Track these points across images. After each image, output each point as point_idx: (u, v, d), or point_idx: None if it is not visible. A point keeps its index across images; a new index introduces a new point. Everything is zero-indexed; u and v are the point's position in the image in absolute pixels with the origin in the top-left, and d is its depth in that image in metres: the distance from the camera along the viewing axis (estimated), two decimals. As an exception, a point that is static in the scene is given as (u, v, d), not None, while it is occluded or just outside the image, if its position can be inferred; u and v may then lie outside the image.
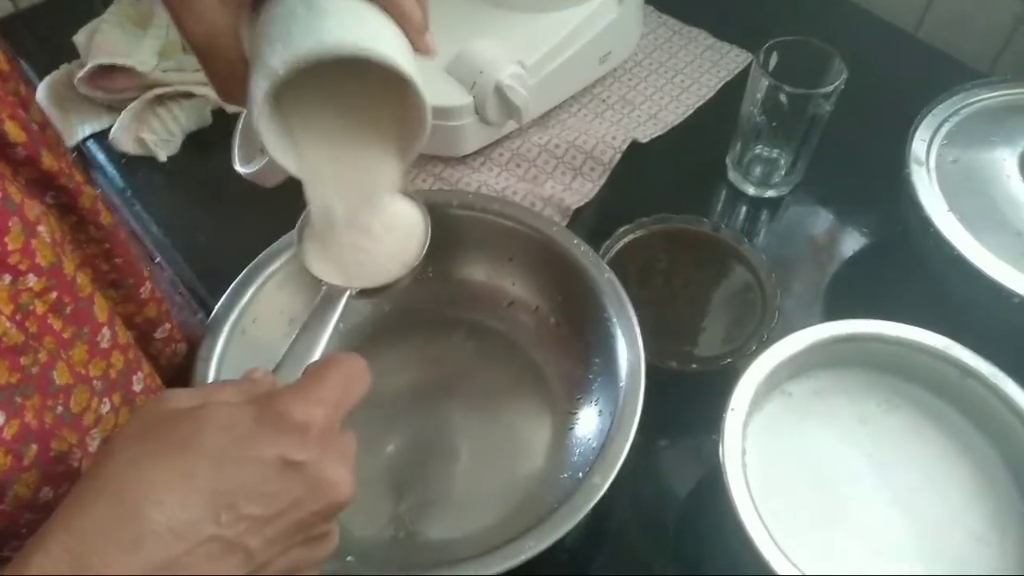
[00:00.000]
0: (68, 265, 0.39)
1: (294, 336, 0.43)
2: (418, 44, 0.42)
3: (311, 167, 0.42)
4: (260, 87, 0.36)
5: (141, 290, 0.48)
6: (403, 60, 0.38)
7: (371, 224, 0.47)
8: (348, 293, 0.46)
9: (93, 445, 0.40)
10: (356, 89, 0.41)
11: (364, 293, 0.47)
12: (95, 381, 0.41)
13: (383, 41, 0.38)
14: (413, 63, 0.39)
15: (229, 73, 0.40)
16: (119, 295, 0.47)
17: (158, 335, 0.51)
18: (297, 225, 0.48)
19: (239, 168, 0.52)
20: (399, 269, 0.48)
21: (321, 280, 0.46)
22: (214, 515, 0.30)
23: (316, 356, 0.42)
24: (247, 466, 0.31)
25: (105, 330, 0.42)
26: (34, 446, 0.36)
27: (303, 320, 0.45)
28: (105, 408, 0.41)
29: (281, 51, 0.36)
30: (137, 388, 0.44)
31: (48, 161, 0.41)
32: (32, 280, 0.37)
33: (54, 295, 0.38)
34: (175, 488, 0.30)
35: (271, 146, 0.39)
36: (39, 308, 0.37)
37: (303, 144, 0.41)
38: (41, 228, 0.38)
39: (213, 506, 0.30)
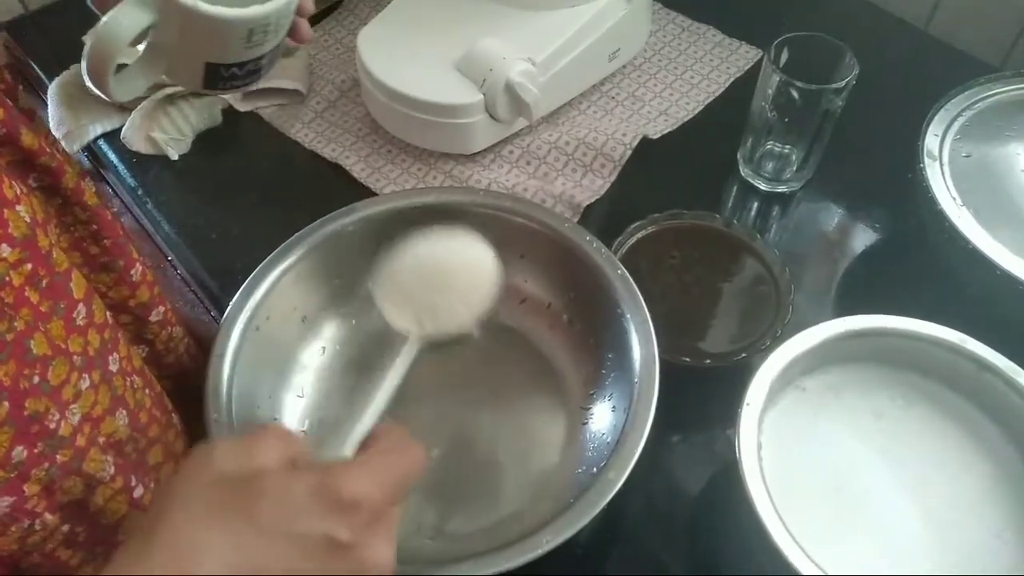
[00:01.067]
0: (43, 240, 0.39)
1: (373, 390, 0.43)
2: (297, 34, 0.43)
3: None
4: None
5: (132, 272, 0.48)
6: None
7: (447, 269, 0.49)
8: (420, 345, 0.46)
9: (74, 420, 0.40)
10: None
11: (435, 347, 0.47)
12: (75, 356, 0.41)
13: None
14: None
15: None
16: (111, 278, 0.47)
17: (153, 318, 0.51)
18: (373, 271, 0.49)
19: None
20: (472, 319, 0.48)
21: (396, 327, 0.47)
22: None
23: (383, 407, 0.42)
24: (295, 541, 0.32)
25: (81, 307, 0.42)
26: (6, 403, 0.36)
27: (374, 371, 0.44)
28: (85, 384, 0.41)
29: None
30: (113, 368, 0.44)
31: (28, 139, 0.41)
32: (6, 250, 0.37)
33: (29, 266, 0.39)
34: (226, 555, 0.31)
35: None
36: (15, 280, 0.38)
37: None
38: (20, 207, 0.38)
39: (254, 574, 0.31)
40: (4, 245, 0.37)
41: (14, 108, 0.41)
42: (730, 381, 0.51)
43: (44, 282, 0.39)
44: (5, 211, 0.37)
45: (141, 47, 0.45)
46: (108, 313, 0.45)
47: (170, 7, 0.41)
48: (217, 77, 0.45)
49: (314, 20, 0.88)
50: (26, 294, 0.38)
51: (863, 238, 0.70)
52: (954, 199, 0.59)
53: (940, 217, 0.58)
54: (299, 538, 0.32)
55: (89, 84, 0.43)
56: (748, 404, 0.49)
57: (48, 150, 0.42)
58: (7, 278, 0.37)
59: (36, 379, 0.38)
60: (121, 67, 0.43)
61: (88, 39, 0.78)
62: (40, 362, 0.38)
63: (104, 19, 0.40)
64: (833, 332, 0.52)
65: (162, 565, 0.31)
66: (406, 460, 0.37)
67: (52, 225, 0.42)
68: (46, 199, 0.43)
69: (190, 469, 0.35)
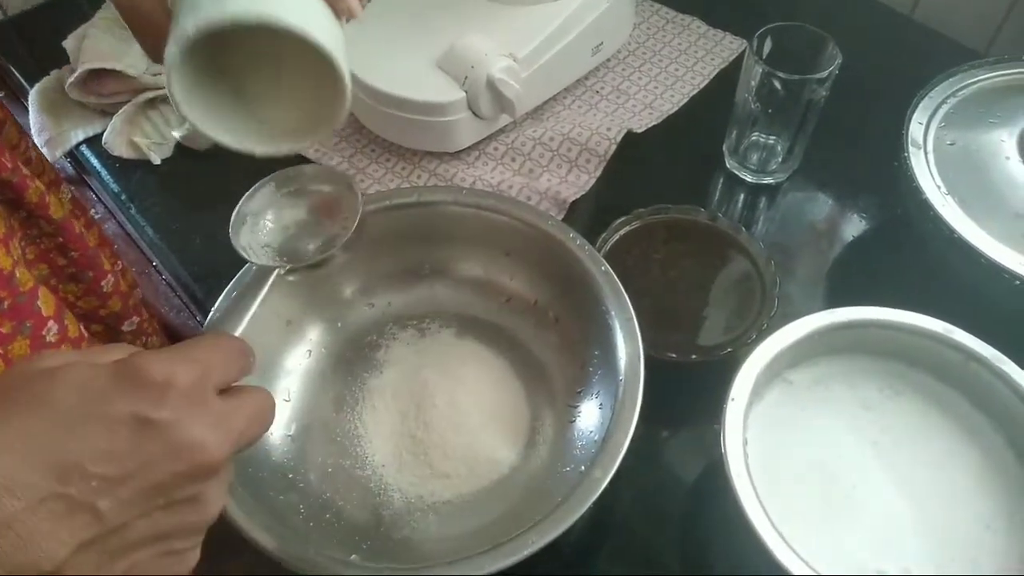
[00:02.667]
0: (3, 260, 0.39)
1: (215, 315, 0.43)
2: (336, 4, 0.41)
3: (226, 129, 0.41)
4: (171, 49, 0.37)
5: (103, 283, 0.48)
6: (315, 29, 0.37)
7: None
8: (276, 272, 0.46)
9: None
10: (289, 56, 0.41)
11: (294, 271, 0.47)
12: None
13: (293, 11, 0.37)
14: (331, 32, 0.39)
15: (155, 32, 0.39)
16: (80, 289, 0.47)
17: (126, 328, 0.50)
18: (234, 213, 0.49)
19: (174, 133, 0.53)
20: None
21: (251, 261, 0.47)
22: (57, 474, 0.29)
23: (239, 331, 0.42)
24: (95, 424, 0.30)
25: (52, 323, 0.41)
26: None
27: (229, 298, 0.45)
28: None
29: (192, 16, 0.36)
30: None
31: None
32: None
33: None
34: (14, 447, 0.29)
35: (181, 104, 0.39)
36: None
37: (222, 106, 0.41)
38: None
39: (55, 464, 0.29)
40: None
41: None
42: (718, 375, 0.51)
43: (6, 303, 0.39)
44: None
45: None
46: (81, 326, 0.44)
47: None
48: None
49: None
50: None
51: (850, 228, 0.70)
52: (939, 188, 0.59)
53: (925, 206, 0.58)
54: (102, 419, 0.30)
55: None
56: (733, 399, 0.49)
57: (9, 165, 0.41)
58: None
59: None
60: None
61: (69, 43, 0.78)
62: None
63: None
64: (819, 324, 0.52)
65: None
66: (219, 342, 0.35)
67: (17, 239, 0.42)
68: (9, 212, 0.43)
69: (8, 369, 0.32)
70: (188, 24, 0.36)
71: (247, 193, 0.49)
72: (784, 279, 0.62)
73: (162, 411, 0.31)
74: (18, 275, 0.40)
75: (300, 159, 0.73)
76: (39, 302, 0.41)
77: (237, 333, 0.42)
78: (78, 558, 0.29)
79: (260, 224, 0.53)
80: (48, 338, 0.41)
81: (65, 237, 0.45)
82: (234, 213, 0.48)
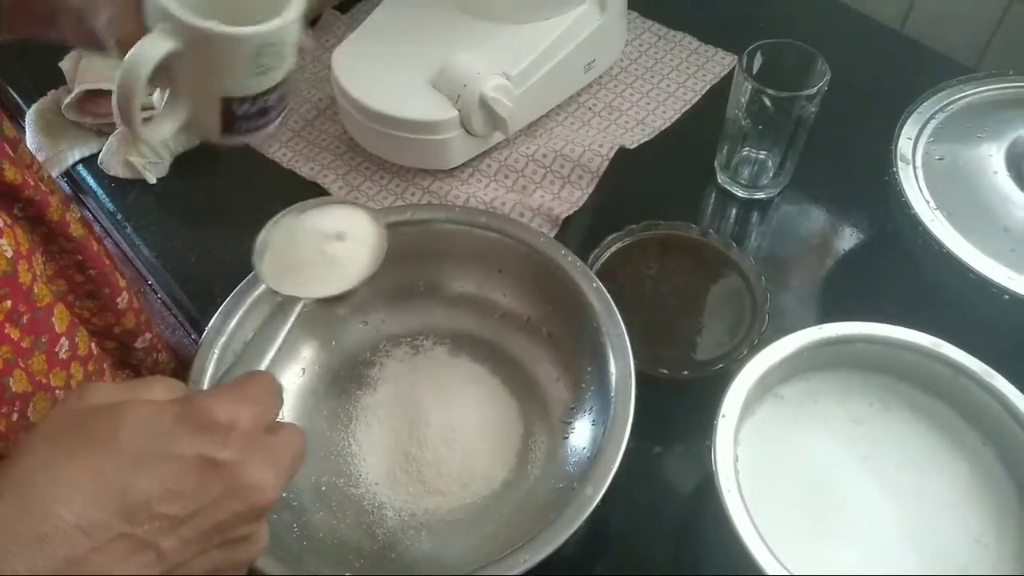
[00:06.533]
0: (24, 275, 0.39)
1: (245, 345, 0.44)
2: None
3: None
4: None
5: (118, 300, 0.48)
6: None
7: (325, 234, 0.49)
8: (302, 304, 0.46)
9: None
10: None
11: (320, 302, 0.47)
12: (57, 391, 0.41)
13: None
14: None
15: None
16: (96, 305, 0.47)
17: (139, 344, 0.51)
18: (256, 244, 0.49)
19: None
20: (353, 279, 0.49)
21: (276, 292, 0.47)
22: (125, 514, 0.29)
23: (265, 365, 0.42)
24: (163, 464, 0.31)
25: (63, 340, 0.42)
26: None
27: (256, 330, 0.45)
28: None
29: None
30: None
31: (11, 174, 0.41)
32: None
33: (8, 303, 0.38)
34: (85, 486, 0.29)
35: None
36: None
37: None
38: (3, 241, 0.38)
39: (124, 505, 0.29)
40: None
41: None
42: (711, 390, 0.51)
43: (25, 318, 0.39)
44: None
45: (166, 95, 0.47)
46: (92, 343, 0.45)
47: (186, 31, 0.43)
48: (232, 118, 0.47)
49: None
50: (6, 331, 0.38)
51: (841, 243, 0.70)
52: (927, 202, 0.59)
53: (914, 221, 0.58)
54: (168, 459, 0.31)
55: (118, 121, 0.48)
56: (724, 415, 0.49)
57: (32, 183, 0.42)
58: None
59: (15, 416, 0.38)
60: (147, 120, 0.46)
61: (65, 64, 0.79)
62: (20, 399, 0.38)
63: (130, 52, 0.43)
64: (809, 340, 0.53)
65: (14, 504, 0.29)
66: (265, 381, 0.36)
67: (38, 254, 0.42)
68: (31, 228, 0.43)
69: (60, 404, 0.33)
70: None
71: (271, 220, 0.50)
72: (775, 294, 0.63)
73: (226, 452, 0.32)
74: (36, 291, 0.40)
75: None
76: (54, 318, 0.41)
77: (263, 366, 0.43)
78: None
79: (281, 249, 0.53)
80: (60, 355, 0.41)
81: (84, 255, 0.45)
82: (257, 241, 0.49)
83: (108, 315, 0.48)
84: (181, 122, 0.48)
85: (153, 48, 0.43)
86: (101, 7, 0.42)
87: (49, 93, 0.79)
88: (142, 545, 0.30)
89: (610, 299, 0.55)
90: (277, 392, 0.36)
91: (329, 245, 0.49)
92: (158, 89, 0.48)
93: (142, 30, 0.42)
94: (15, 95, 0.82)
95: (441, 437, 0.57)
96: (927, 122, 0.64)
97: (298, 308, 0.46)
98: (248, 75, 0.46)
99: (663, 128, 0.78)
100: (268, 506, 0.33)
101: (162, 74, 0.44)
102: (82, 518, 0.29)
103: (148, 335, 0.52)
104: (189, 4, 0.43)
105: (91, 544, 0.29)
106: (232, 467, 0.32)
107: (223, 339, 0.55)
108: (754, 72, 0.66)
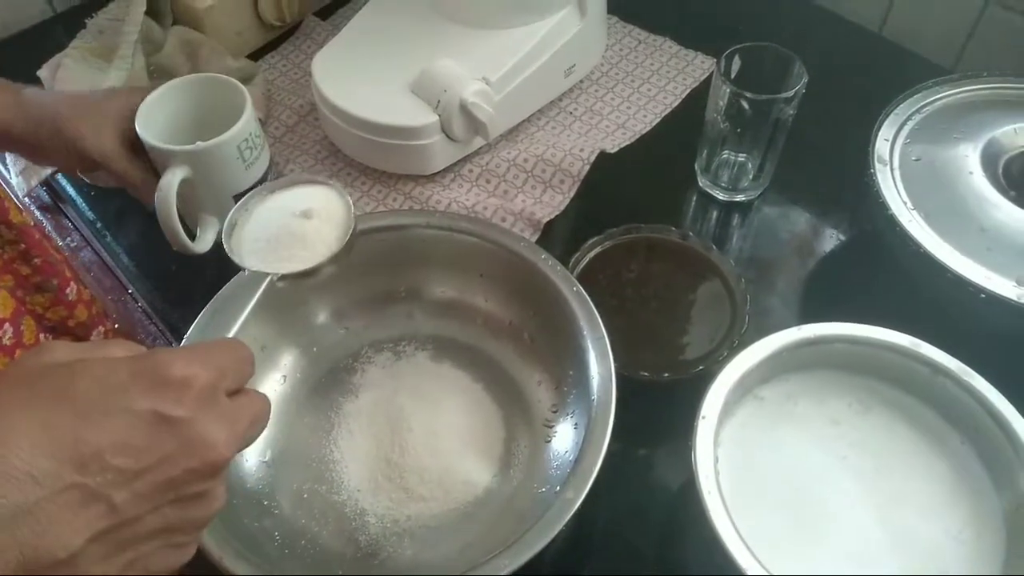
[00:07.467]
0: None
1: (204, 316, 0.44)
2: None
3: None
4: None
5: (67, 291, 0.48)
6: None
7: (293, 212, 0.50)
8: (269, 278, 0.47)
9: None
10: None
11: (285, 278, 0.48)
12: None
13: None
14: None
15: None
16: (47, 299, 0.47)
17: (94, 338, 0.50)
18: (225, 222, 0.50)
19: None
20: (319, 255, 0.50)
21: (245, 267, 0.48)
22: (77, 464, 0.29)
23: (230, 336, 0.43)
24: (116, 417, 0.31)
25: (7, 327, 0.41)
26: None
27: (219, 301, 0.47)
28: None
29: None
30: None
31: None
32: None
33: None
34: (37, 435, 0.29)
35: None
36: None
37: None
38: None
39: (76, 454, 0.30)
40: None
41: None
42: (692, 392, 0.51)
43: None
44: None
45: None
46: (41, 335, 0.44)
47: (185, 156, 0.58)
48: None
49: (272, 45, 0.88)
50: None
51: (820, 244, 0.71)
52: (905, 203, 0.60)
53: (892, 222, 0.59)
54: (122, 413, 0.31)
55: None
56: (704, 417, 0.49)
57: None
58: None
59: None
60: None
61: (43, 72, 0.78)
62: None
63: (157, 187, 0.57)
64: (788, 341, 0.53)
65: None
66: (232, 347, 0.36)
67: None
68: None
69: (18, 360, 0.33)
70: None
71: (241, 200, 0.51)
72: (756, 296, 0.63)
73: (180, 409, 0.32)
74: None
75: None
76: None
77: (230, 334, 0.44)
78: (90, 548, 0.30)
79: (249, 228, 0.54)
80: (4, 341, 0.41)
81: (27, 243, 0.45)
82: (226, 220, 0.50)
83: (60, 308, 0.48)
84: (216, 229, 0.60)
85: (172, 177, 0.57)
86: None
87: (27, 102, 0.78)
88: (94, 496, 0.30)
89: (591, 303, 0.55)
90: (245, 359, 0.36)
91: (297, 222, 0.50)
92: None
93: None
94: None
95: (423, 443, 0.56)
96: (904, 123, 0.65)
97: (264, 284, 0.47)
98: (239, 170, 0.60)
99: (644, 132, 0.78)
100: (222, 464, 0.33)
101: (188, 198, 0.59)
102: (33, 466, 0.29)
103: (101, 328, 0.51)
104: (177, 140, 0.58)
105: (42, 492, 0.29)
106: (185, 423, 0.32)
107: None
108: (732, 75, 0.66)
